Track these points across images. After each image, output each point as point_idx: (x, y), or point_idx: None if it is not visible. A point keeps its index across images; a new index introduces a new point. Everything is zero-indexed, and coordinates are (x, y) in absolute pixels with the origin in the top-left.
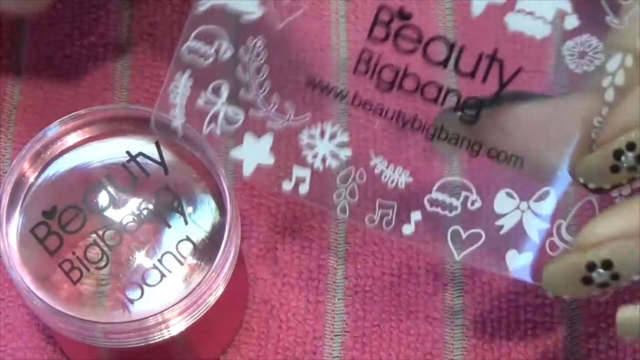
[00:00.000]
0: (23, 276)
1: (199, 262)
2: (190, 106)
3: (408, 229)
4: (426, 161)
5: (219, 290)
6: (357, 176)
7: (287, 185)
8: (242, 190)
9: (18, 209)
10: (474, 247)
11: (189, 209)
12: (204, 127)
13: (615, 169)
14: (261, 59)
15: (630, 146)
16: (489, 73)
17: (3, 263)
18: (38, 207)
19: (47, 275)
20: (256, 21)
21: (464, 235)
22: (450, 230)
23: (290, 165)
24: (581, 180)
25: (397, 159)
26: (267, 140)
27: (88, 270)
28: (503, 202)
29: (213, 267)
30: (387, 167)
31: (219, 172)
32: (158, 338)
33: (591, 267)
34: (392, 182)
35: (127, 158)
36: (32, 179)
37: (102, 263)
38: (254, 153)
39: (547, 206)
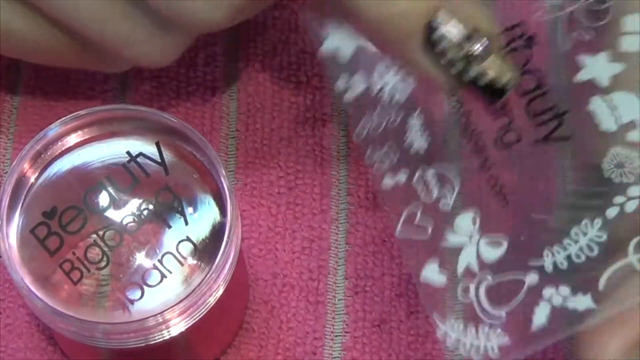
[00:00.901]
0: (23, 276)
1: (199, 263)
2: None
3: (388, 182)
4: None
5: (219, 290)
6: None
7: (341, 83)
8: (242, 190)
9: (18, 209)
10: (417, 234)
11: (189, 210)
12: None
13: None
14: None
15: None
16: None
17: (3, 263)
18: (38, 208)
19: (47, 275)
20: None
21: (417, 219)
22: (409, 208)
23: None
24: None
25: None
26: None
27: (88, 270)
28: (465, 221)
29: (213, 267)
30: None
31: (219, 172)
32: (158, 338)
33: None
34: (413, 144)
35: (128, 158)
36: (32, 180)
37: (103, 263)
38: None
39: (494, 252)
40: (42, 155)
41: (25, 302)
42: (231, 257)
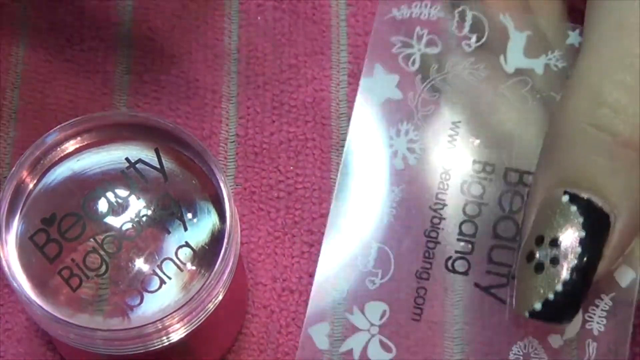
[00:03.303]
0: (22, 283)
1: (198, 269)
2: None
3: None
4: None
5: (218, 296)
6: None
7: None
8: (241, 194)
9: (17, 216)
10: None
11: (188, 215)
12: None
13: (538, 269)
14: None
15: (539, 240)
16: None
17: (2, 270)
18: (37, 214)
19: (46, 282)
20: None
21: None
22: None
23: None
24: (529, 311)
25: None
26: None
27: (87, 277)
28: (376, 310)
29: (213, 273)
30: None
31: (218, 178)
32: (157, 345)
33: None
34: None
35: (127, 165)
36: (31, 186)
37: (102, 270)
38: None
39: (381, 355)
40: (41, 162)
41: (24, 308)
42: (230, 263)
